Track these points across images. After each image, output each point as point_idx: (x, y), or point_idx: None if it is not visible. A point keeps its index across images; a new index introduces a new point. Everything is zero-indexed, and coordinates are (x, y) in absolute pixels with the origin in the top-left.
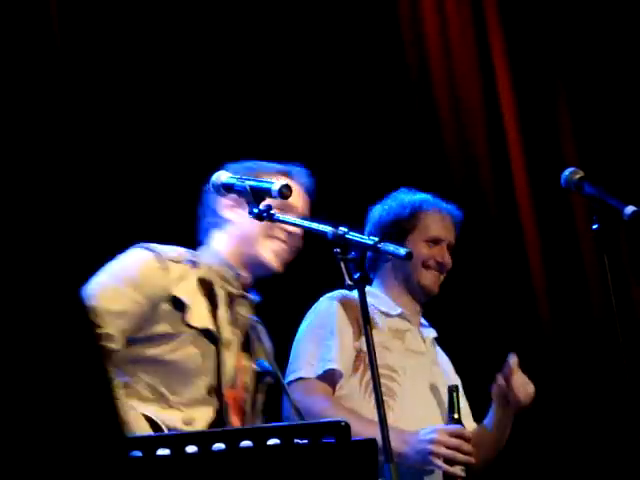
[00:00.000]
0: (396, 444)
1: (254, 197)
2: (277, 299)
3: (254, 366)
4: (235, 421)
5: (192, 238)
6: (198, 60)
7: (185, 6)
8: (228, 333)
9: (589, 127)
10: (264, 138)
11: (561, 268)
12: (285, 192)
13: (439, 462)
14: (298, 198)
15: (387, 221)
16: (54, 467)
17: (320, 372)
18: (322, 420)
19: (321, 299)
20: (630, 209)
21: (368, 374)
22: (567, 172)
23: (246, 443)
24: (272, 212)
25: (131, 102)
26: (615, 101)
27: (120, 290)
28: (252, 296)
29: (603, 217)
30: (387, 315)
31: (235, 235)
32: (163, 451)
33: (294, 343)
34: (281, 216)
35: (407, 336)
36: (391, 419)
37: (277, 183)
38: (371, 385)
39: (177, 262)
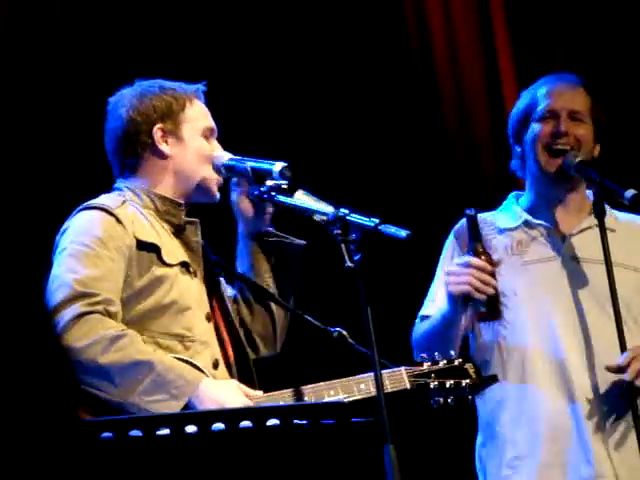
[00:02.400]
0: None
1: (255, 178)
2: None
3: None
4: (226, 342)
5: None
6: (194, 41)
7: None
8: (190, 261)
9: None
10: (267, 122)
11: None
12: (286, 173)
13: (457, 288)
14: (208, 116)
15: (515, 117)
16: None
17: (421, 315)
18: (322, 401)
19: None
20: (630, 192)
21: None
22: (567, 155)
23: (246, 423)
24: (273, 193)
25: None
26: (615, 88)
27: (93, 254)
28: (195, 219)
29: (603, 199)
30: (508, 230)
31: (172, 169)
32: (163, 431)
33: None
34: (282, 198)
35: (532, 246)
36: (502, 347)
37: (278, 164)
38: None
39: (120, 208)
